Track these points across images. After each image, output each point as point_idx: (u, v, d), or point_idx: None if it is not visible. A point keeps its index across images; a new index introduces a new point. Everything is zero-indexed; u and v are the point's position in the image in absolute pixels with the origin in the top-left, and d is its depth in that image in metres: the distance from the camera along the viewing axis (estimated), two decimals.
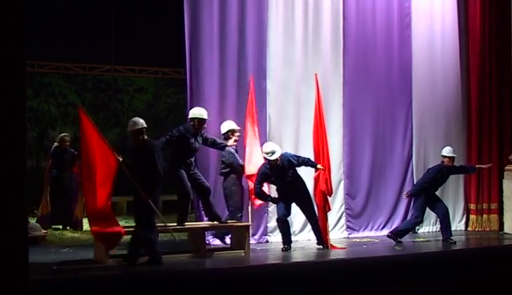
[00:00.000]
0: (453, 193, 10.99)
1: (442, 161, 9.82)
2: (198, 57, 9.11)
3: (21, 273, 3.74)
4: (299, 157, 8.90)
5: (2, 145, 3.74)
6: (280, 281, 7.34)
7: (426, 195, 9.68)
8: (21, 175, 3.82)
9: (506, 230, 10.70)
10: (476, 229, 10.95)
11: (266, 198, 8.84)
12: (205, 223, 8.73)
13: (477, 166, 10.44)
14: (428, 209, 9.85)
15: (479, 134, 11.05)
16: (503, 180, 10.85)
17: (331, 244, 8.90)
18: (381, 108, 10.44)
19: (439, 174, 9.75)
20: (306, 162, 8.86)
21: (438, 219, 10.05)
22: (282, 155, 8.74)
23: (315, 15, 9.93)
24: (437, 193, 9.89)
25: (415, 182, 10.26)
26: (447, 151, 9.84)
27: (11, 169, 3.76)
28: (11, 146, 3.77)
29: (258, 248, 8.83)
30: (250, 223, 8.80)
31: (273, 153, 8.61)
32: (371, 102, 10.35)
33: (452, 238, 9.64)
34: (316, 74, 9.26)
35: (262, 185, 8.74)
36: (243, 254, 8.38)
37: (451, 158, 9.79)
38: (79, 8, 12.37)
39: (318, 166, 8.81)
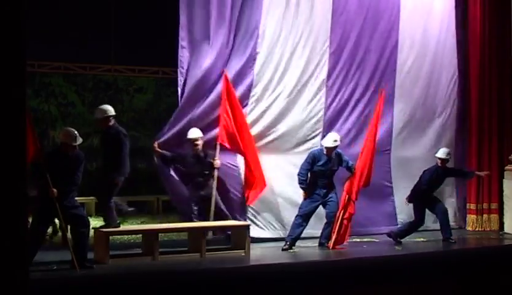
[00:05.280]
0: (453, 193, 10.98)
1: (437, 163, 9.81)
2: (193, 56, 9.09)
3: (21, 274, 3.74)
4: (348, 160, 9.20)
5: (2, 145, 3.73)
6: (280, 281, 7.34)
7: (424, 197, 9.68)
8: (22, 175, 3.82)
9: (506, 230, 10.69)
10: (476, 229, 10.92)
11: (304, 182, 8.96)
12: (205, 223, 8.73)
13: (476, 172, 10.40)
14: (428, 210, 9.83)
15: (479, 134, 11.02)
16: (503, 180, 10.84)
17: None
18: (363, 107, 10.33)
19: (435, 175, 9.72)
20: (349, 166, 9.16)
21: (438, 220, 10.02)
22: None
23: (306, 14, 9.85)
24: (437, 191, 9.89)
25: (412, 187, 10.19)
26: (440, 153, 9.79)
27: (12, 169, 3.76)
28: (12, 146, 3.77)
29: (258, 248, 8.82)
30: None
31: (335, 141, 9.03)
32: (353, 100, 10.27)
33: (452, 238, 9.64)
34: (383, 90, 9.79)
35: (310, 167, 8.99)
36: (243, 254, 8.39)
37: (443, 160, 9.77)
38: (79, 8, 12.36)
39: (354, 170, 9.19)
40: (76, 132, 7.53)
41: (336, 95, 10.12)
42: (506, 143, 11.08)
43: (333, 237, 8.93)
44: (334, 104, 10.11)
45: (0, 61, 3.73)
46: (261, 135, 9.56)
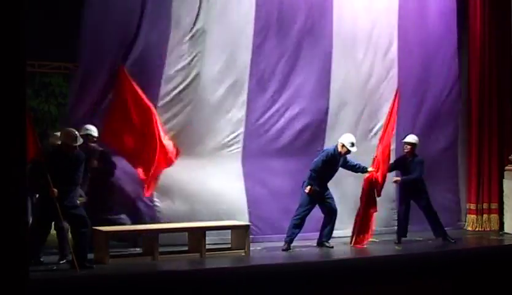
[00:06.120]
0: (453, 193, 10.98)
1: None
2: (97, 52, 8.60)
3: (21, 274, 3.74)
4: (352, 161, 9.25)
5: (2, 145, 3.73)
6: (280, 281, 7.34)
7: (401, 186, 9.61)
8: (22, 175, 3.82)
9: (506, 230, 10.69)
10: (476, 229, 10.92)
11: (316, 179, 8.88)
12: (205, 223, 8.73)
13: (394, 179, 9.66)
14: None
15: (479, 134, 11.03)
16: (503, 180, 10.84)
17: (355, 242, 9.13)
18: (287, 108, 9.74)
19: (401, 163, 9.62)
20: (357, 167, 9.26)
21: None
22: None
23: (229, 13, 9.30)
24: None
25: None
26: (407, 137, 9.68)
27: (12, 169, 3.76)
28: (12, 146, 3.77)
29: (258, 248, 8.82)
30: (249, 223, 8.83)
31: (353, 145, 8.97)
32: (280, 103, 9.67)
33: (450, 237, 9.59)
34: (398, 89, 9.86)
35: (324, 166, 8.91)
36: (243, 254, 8.38)
37: (406, 145, 9.57)
38: (79, 7, 12.33)
39: (369, 169, 9.21)
40: (76, 132, 7.54)
41: (260, 97, 9.52)
42: (506, 143, 11.08)
43: (357, 235, 9.08)
44: (258, 107, 9.51)
45: (0, 61, 3.73)
46: (174, 137, 8.90)
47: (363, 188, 9.26)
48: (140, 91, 8.60)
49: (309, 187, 8.85)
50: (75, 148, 7.49)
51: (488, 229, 10.92)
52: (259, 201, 9.46)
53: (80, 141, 7.55)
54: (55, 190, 7.15)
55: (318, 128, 9.90)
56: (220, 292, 7.01)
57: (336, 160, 9.02)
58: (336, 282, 7.55)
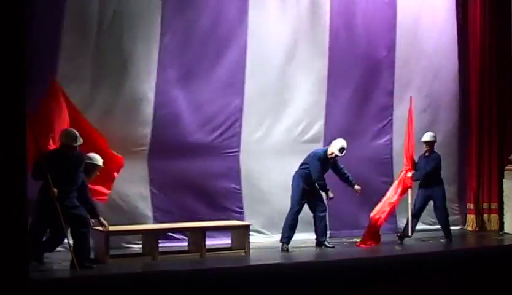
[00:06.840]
0: (453, 192, 10.98)
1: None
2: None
3: (21, 274, 3.74)
4: (342, 167, 9.25)
5: (2, 144, 3.74)
6: (280, 281, 7.34)
7: (420, 185, 9.65)
8: (22, 175, 3.82)
9: (506, 230, 10.70)
10: (476, 229, 10.94)
11: (325, 183, 8.97)
12: (205, 223, 8.74)
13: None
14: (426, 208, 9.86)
15: (479, 134, 11.03)
16: (503, 180, 10.85)
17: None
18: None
19: (421, 161, 9.66)
20: (345, 177, 9.23)
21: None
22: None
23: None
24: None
25: None
26: (424, 136, 9.70)
27: (12, 169, 3.76)
28: (12, 146, 3.77)
29: (258, 248, 8.82)
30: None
31: (341, 151, 8.97)
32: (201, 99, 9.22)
33: (446, 237, 9.69)
34: (411, 97, 9.77)
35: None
36: (243, 254, 8.39)
37: (425, 143, 9.64)
38: None
39: (357, 187, 9.21)
40: (76, 132, 7.54)
41: (171, 93, 8.99)
42: (506, 143, 11.09)
43: (367, 237, 9.21)
44: (168, 104, 8.98)
45: (0, 61, 3.74)
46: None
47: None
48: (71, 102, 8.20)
49: (331, 195, 8.92)
50: (75, 148, 7.50)
51: (488, 229, 10.93)
52: (166, 205, 9.05)
53: (80, 141, 7.54)
54: (55, 190, 7.16)
55: (232, 126, 9.42)
56: (220, 292, 7.01)
57: (327, 162, 9.02)
58: (336, 282, 7.54)
